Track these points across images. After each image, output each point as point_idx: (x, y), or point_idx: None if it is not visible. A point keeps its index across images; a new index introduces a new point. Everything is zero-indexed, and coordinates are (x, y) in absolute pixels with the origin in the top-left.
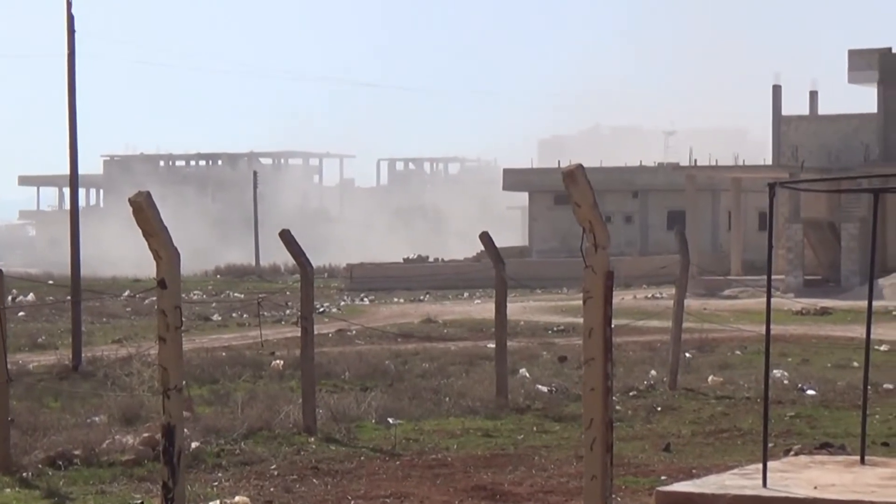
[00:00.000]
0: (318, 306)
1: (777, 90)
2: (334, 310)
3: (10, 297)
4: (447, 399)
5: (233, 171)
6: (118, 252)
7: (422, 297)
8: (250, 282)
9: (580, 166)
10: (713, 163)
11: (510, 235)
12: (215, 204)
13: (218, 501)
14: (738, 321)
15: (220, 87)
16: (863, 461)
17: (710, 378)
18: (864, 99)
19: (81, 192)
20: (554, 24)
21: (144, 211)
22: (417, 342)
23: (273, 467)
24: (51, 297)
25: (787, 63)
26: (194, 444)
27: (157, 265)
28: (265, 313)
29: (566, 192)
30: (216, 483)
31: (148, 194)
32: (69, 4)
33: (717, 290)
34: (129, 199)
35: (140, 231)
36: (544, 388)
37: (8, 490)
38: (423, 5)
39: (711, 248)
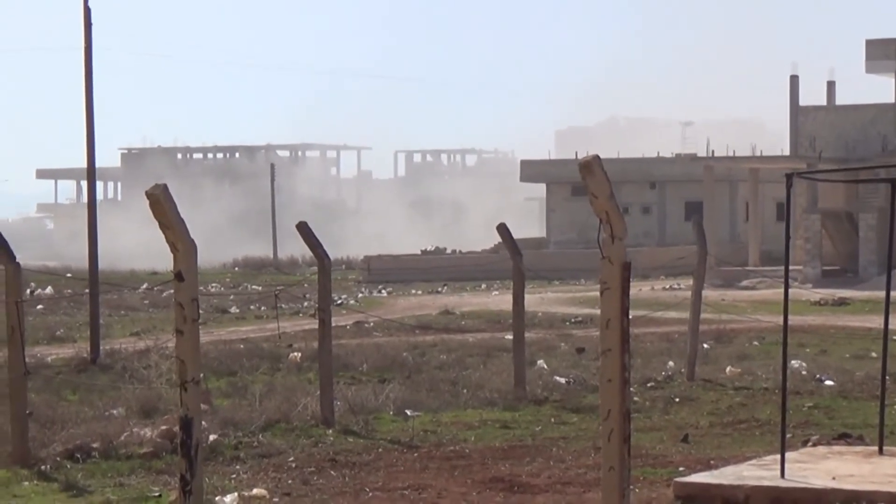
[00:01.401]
0: (335, 298)
1: (794, 80)
2: (352, 302)
3: (28, 291)
4: (465, 391)
5: (250, 163)
6: (136, 245)
7: (439, 289)
8: (268, 274)
9: (597, 157)
10: (731, 153)
11: (528, 227)
12: (233, 196)
13: (236, 494)
14: (755, 312)
15: (237, 80)
16: (881, 451)
17: (728, 369)
18: (882, 89)
19: (99, 185)
20: (571, 14)
21: (161, 203)
22: (435, 334)
23: (291, 459)
24: (69, 291)
25: (804, 53)
26: (212, 437)
27: (174, 257)
28: (283, 305)
29: (583, 183)
30: (234, 475)
31: (165, 187)
32: None
33: (735, 281)
34: (146, 192)
35: (157, 224)
36: (562, 380)
37: (26, 483)
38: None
39: (729, 238)
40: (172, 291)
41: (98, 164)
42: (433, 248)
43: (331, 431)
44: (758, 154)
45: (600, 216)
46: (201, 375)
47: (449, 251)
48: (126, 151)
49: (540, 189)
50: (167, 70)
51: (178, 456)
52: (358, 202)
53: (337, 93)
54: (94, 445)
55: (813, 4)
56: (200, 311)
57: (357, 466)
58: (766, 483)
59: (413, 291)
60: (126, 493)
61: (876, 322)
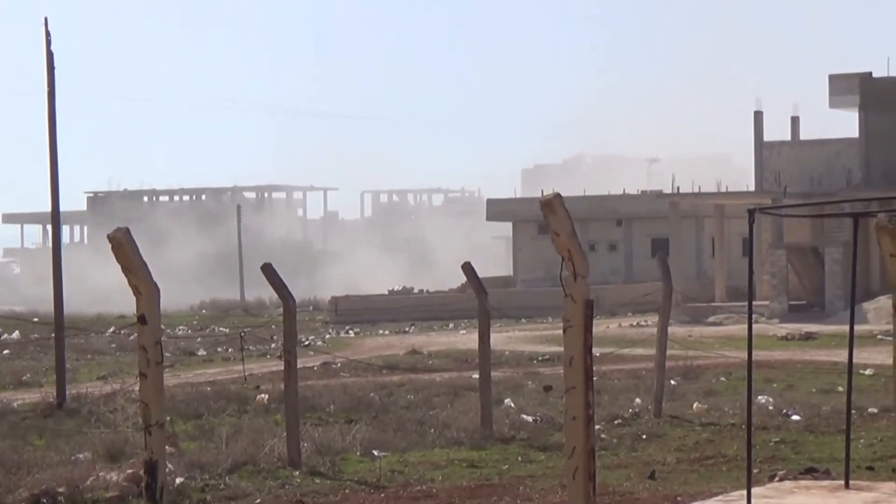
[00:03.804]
0: (302, 339)
1: (759, 116)
2: (319, 343)
3: None
4: (432, 430)
5: (217, 205)
6: (103, 288)
7: (407, 329)
8: (236, 316)
9: (558, 195)
10: (696, 189)
11: (495, 265)
12: (200, 239)
13: None
14: (722, 347)
15: (203, 122)
16: (847, 485)
17: (694, 405)
18: (846, 123)
19: (65, 228)
20: (537, 54)
21: (124, 247)
22: (402, 374)
23: (258, 501)
24: (36, 335)
25: (768, 89)
26: (179, 480)
27: (137, 301)
28: (250, 347)
29: (545, 221)
30: None
31: (127, 230)
32: (48, 42)
33: (701, 317)
34: (108, 236)
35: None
36: (529, 418)
37: None
38: (406, 37)
39: (696, 274)
40: None
41: (63, 207)
42: (400, 288)
43: (298, 473)
44: (723, 189)
45: (562, 254)
46: (167, 418)
47: (416, 291)
48: (92, 195)
49: (507, 228)
50: (132, 113)
51: (144, 500)
52: (325, 243)
53: (303, 134)
54: (61, 490)
55: (776, 40)
56: (167, 354)
57: None
58: None
59: (380, 331)
60: None
61: (842, 356)
